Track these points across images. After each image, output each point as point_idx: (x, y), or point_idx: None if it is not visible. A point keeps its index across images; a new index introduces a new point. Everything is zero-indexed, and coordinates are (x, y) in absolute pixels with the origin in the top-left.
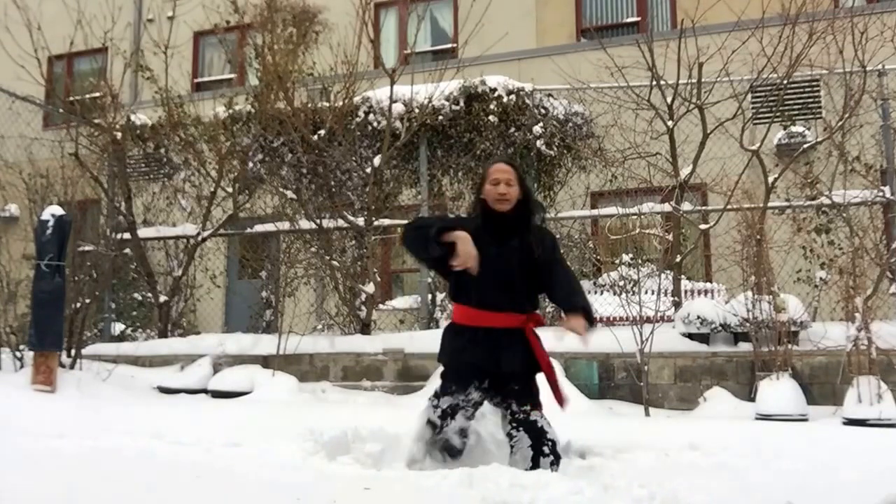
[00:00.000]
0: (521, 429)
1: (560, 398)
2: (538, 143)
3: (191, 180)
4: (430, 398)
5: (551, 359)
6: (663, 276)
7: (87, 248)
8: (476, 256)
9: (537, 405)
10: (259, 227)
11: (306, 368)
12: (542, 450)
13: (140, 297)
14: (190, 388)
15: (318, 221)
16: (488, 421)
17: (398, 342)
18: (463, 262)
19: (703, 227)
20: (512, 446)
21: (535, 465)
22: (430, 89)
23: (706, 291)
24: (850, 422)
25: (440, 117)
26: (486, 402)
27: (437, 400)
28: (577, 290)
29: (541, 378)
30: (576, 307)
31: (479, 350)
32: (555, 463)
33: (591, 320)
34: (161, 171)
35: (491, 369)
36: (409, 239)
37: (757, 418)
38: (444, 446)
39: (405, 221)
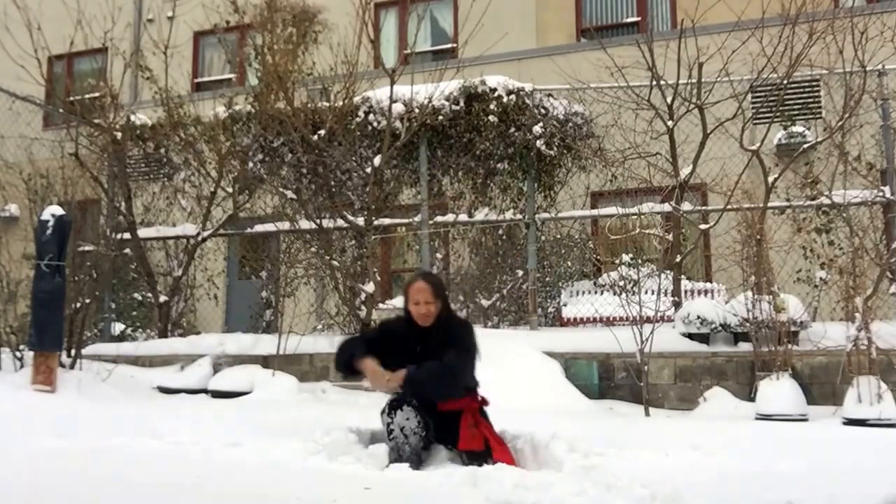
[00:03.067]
0: None
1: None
2: (538, 143)
3: (191, 180)
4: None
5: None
6: (663, 276)
7: (87, 248)
8: (387, 379)
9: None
10: (259, 227)
11: (306, 368)
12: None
13: (140, 297)
14: (190, 388)
15: (318, 221)
16: None
17: None
18: (374, 385)
19: (703, 227)
20: None
21: None
22: (430, 89)
23: (706, 291)
24: (850, 422)
25: (440, 117)
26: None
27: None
28: (431, 368)
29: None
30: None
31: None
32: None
33: (408, 382)
34: (161, 171)
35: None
36: (337, 363)
37: (757, 418)
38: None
39: (405, 221)
